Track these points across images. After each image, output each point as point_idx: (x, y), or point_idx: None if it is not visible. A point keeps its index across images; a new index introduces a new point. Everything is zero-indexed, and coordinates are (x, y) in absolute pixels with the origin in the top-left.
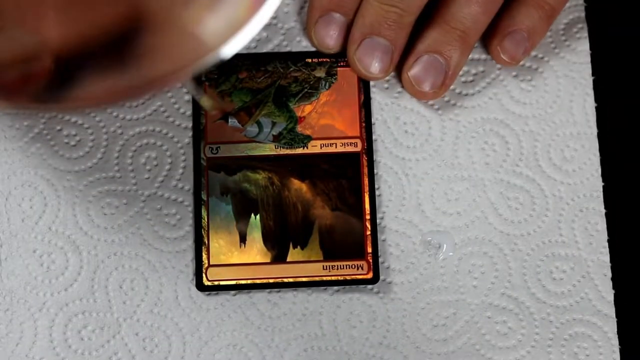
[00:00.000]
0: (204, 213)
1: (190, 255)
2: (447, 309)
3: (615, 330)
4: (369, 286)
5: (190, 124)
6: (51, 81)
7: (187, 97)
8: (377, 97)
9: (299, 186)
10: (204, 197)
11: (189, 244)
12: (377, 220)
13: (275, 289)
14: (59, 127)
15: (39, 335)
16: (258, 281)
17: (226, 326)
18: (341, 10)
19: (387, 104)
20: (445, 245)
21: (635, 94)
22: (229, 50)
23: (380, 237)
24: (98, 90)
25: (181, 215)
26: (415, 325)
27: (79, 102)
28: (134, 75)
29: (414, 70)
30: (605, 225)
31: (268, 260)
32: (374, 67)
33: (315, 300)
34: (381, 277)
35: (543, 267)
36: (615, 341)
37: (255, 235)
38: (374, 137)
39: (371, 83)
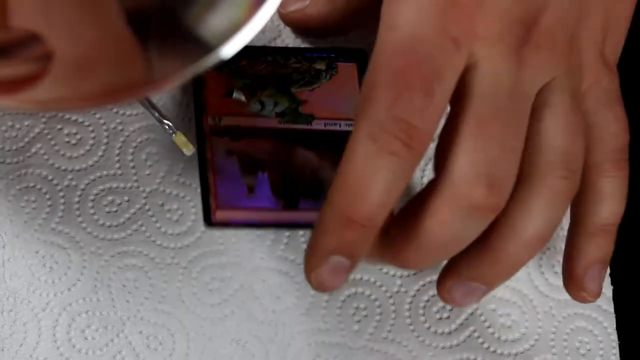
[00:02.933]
0: (209, 169)
1: (193, 249)
2: None
3: (614, 325)
4: (372, 279)
5: (189, 114)
6: (51, 81)
7: (185, 90)
8: None
9: (306, 154)
10: (208, 157)
11: (191, 239)
12: None
13: (286, 231)
14: (59, 126)
15: (42, 336)
16: (269, 222)
17: (229, 322)
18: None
19: None
20: None
21: (635, 94)
22: (229, 50)
23: None
24: (99, 91)
25: (183, 210)
26: (420, 318)
27: (79, 103)
28: (134, 76)
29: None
30: None
31: (279, 208)
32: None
33: (319, 295)
34: (384, 270)
35: (545, 260)
36: (614, 336)
37: (264, 187)
38: None
39: None
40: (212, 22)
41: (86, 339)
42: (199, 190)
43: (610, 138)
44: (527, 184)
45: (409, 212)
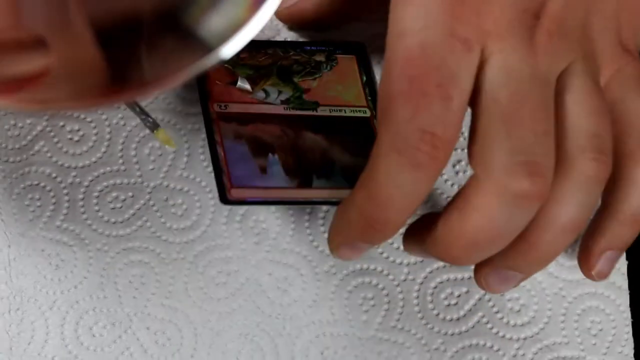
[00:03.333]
0: (219, 150)
1: (198, 244)
2: (460, 288)
3: (628, 302)
4: (379, 268)
5: (192, 110)
6: (51, 81)
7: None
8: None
9: (313, 137)
10: (217, 139)
11: (197, 234)
12: None
13: (301, 206)
14: (62, 123)
15: (50, 334)
16: (284, 200)
17: (237, 316)
18: None
19: None
20: None
21: None
22: (229, 50)
23: None
24: (98, 92)
25: (188, 205)
26: (428, 306)
27: (78, 103)
28: (134, 77)
29: None
30: None
31: (293, 186)
32: None
33: (326, 286)
34: (391, 258)
35: None
36: (627, 314)
37: (276, 168)
38: None
39: (373, 64)
40: (212, 22)
41: (94, 336)
42: (203, 184)
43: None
44: (557, 170)
45: (454, 209)
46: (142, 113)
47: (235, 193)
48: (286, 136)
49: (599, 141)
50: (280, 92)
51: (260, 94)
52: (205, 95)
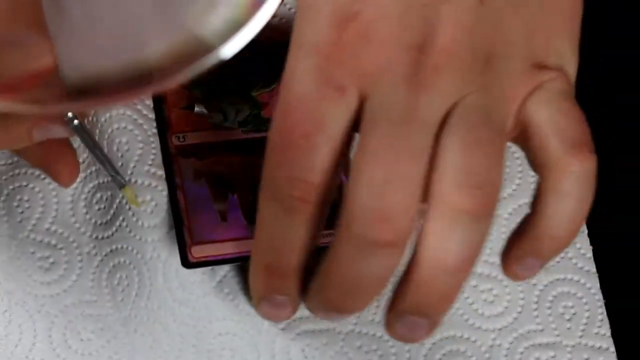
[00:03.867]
0: (180, 196)
1: (171, 241)
2: None
3: (598, 285)
4: None
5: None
6: (52, 82)
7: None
8: None
9: None
10: (178, 182)
11: (166, 230)
12: None
13: None
14: None
15: (38, 337)
16: (244, 255)
17: (216, 315)
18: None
19: None
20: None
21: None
22: (229, 50)
23: None
24: (98, 91)
25: (157, 201)
26: None
27: (77, 104)
28: (134, 76)
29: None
30: None
31: (252, 235)
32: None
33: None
34: None
35: None
36: (599, 296)
37: (236, 212)
38: None
39: None
40: (212, 22)
41: (82, 340)
42: None
43: (559, 133)
44: (435, 210)
45: (324, 260)
46: (113, 171)
47: (195, 251)
48: (244, 168)
49: (474, 177)
50: (238, 111)
51: (219, 117)
52: (164, 124)
